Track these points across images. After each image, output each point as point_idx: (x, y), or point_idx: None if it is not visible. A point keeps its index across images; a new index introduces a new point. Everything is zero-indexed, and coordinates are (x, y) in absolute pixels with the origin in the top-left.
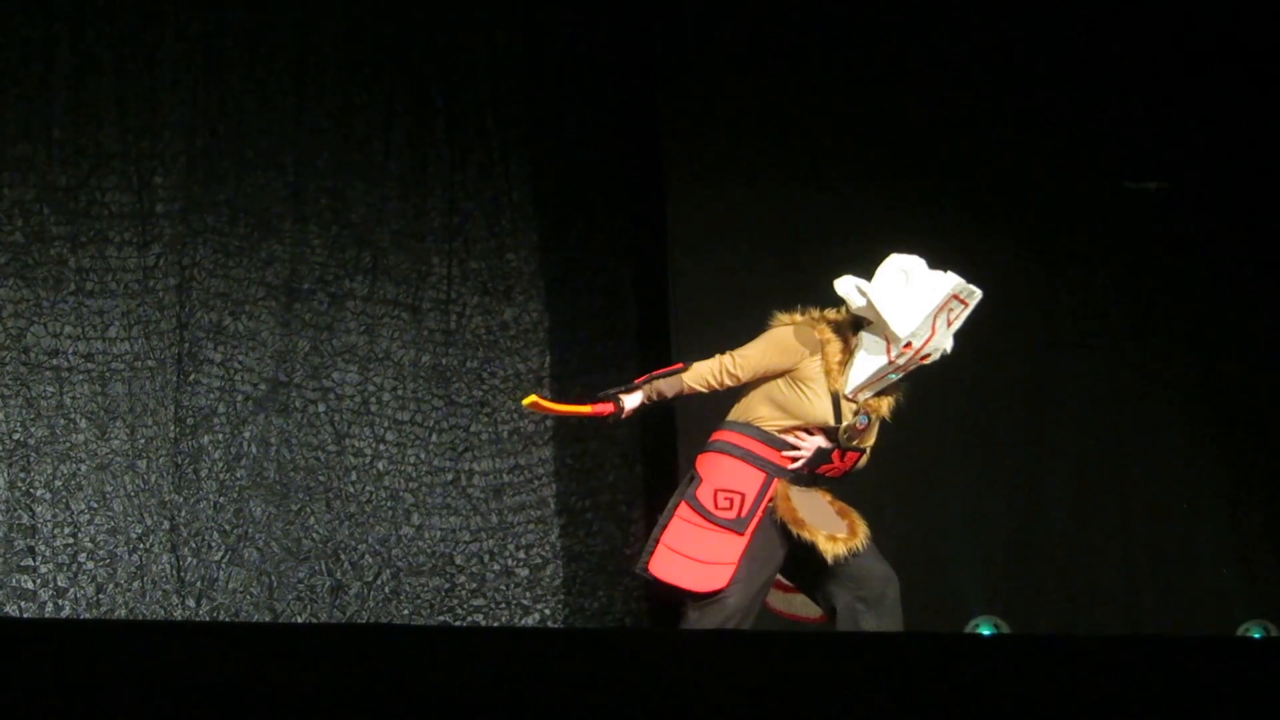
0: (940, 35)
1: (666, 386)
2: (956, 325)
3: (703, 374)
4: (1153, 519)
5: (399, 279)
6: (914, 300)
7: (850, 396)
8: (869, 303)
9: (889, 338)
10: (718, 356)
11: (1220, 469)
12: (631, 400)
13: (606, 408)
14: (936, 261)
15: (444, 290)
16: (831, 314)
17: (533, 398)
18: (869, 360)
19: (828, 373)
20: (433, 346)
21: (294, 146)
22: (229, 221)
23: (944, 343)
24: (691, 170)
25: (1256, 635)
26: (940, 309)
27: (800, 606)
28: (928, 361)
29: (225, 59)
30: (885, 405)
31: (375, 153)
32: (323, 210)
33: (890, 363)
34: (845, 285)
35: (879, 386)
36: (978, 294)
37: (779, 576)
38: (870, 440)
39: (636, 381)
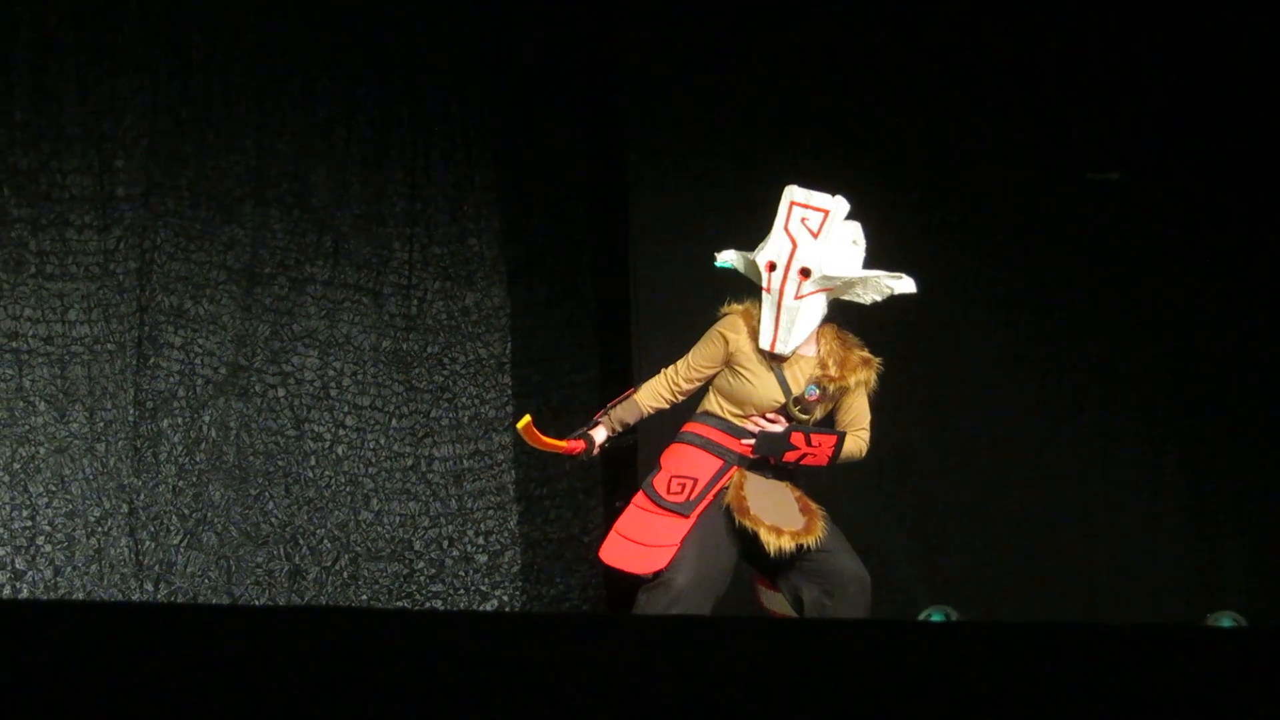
0: (902, 31)
1: (625, 413)
2: (826, 234)
3: (655, 390)
4: (1114, 510)
5: (360, 264)
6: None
7: (784, 355)
8: (737, 253)
9: (757, 273)
10: (663, 371)
11: (1183, 459)
12: (599, 435)
13: (578, 445)
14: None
15: (405, 275)
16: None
17: (527, 420)
18: (765, 309)
19: (753, 337)
20: (393, 332)
21: (256, 130)
22: (190, 205)
23: (818, 254)
24: (654, 158)
25: (1226, 624)
26: (786, 220)
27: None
28: (839, 289)
29: (187, 42)
30: (853, 377)
31: (337, 137)
32: (284, 194)
33: (777, 295)
34: (723, 256)
35: (801, 331)
36: (830, 199)
37: (763, 576)
38: (851, 414)
39: (596, 417)
